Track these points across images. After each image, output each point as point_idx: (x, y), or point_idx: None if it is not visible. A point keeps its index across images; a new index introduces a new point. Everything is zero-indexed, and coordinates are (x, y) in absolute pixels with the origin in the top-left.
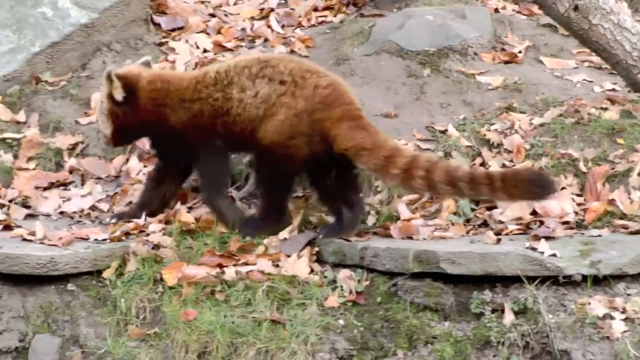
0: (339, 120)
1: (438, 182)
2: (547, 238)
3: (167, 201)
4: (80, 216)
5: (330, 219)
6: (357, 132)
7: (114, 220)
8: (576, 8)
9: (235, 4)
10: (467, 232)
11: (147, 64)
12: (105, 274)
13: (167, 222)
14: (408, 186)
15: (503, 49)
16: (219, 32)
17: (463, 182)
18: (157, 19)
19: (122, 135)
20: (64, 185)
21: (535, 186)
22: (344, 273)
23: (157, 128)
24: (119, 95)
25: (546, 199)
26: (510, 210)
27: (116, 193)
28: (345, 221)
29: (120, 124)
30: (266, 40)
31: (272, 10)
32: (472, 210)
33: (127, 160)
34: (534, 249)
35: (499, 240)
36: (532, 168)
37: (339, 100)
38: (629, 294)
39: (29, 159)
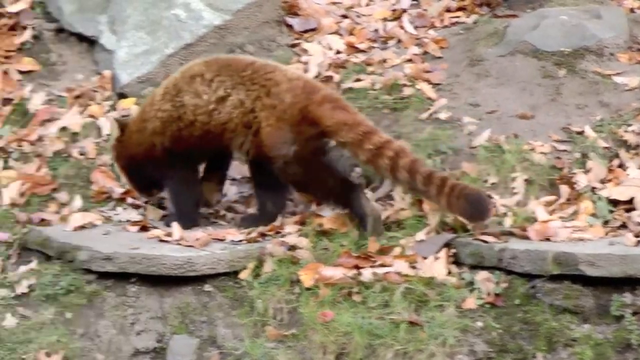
0: (321, 103)
1: (401, 167)
2: None
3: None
4: (215, 217)
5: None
6: (338, 111)
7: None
8: None
9: (367, 5)
10: (606, 234)
11: None
12: (241, 275)
13: (303, 224)
14: (374, 163)
15: (639, 49)
16: (351, 33)
17: (420, 176)
18: (290, 20)
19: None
20: None
21: (471, 206)
22: (481, 275)
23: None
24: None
25: (477, 221)
26: None
27: (250, 194)
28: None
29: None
30: (399, 41)
31: (404, 11)
32: (610, 212)
33: None
34: None
35: (639, 242)
36: (480, 190)
37: (316, 87)
38: None
39: None
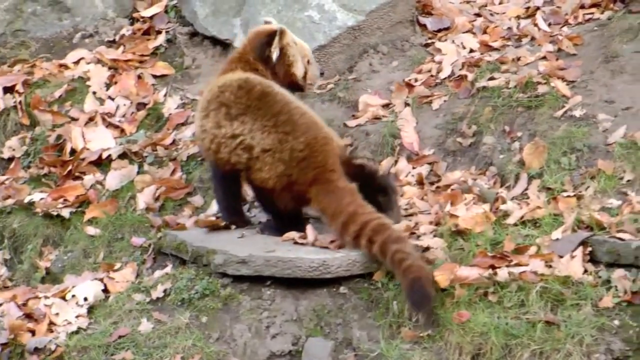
0: (311, 184)
1: (374, 251)
2: None
3: None
4: None
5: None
6: (324, 197)
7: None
8: None
9: (500, 3)
10: None
11: None
12: (376, 277)
13: (438, 224)
14: (358, 247)
15: None
16: (485, 32)
17: (389, 256)
18: (423, 20)
19: None
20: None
21: (412, 295)
22: (618, 273)
23: None
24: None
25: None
26: None
27: None
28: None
29: None
30: (533, 38)
31: (538, 8)
32: None
33: (396, 161)
34: None
35: None
36: (424, 282)
37: (313, 164)
38: None
39: None
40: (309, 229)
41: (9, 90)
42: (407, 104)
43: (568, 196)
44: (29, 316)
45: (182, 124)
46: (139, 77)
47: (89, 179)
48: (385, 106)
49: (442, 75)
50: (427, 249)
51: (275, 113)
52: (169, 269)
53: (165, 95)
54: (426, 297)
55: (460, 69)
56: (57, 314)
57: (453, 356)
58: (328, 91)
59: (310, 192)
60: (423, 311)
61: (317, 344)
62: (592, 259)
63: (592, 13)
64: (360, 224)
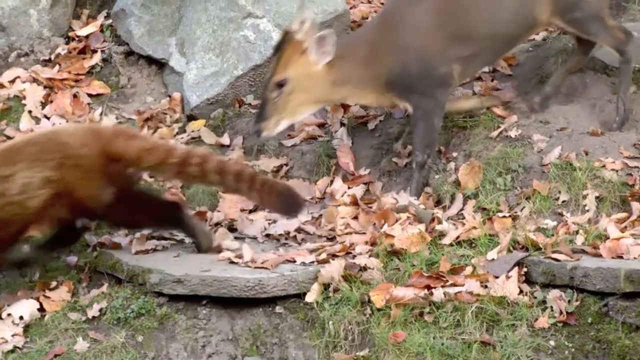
0: (113, 139)
1: (210, 171)
2: None
3: None
4: (286, 238)
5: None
6: (134, 141)
7: None
8: None
9: None
10: None
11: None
12: (308, 298)
13: (373, 244)
14: (184, 174)
15: None
16: None
17: (230, 176)
18: None
19: None
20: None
21: (283, 201)
22: (553, 293)
23: None
24: None
25: (291, 216)
26: None
27: (321, 215)
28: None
29: None
30: None
31: None
32: None
33: (332, 182)
34: None
35: None
36: (290, 187)
37: (101, 128)
38: None
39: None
40: (245, 247)
41: None
42: (342, 124)
43: (503, 216)
44: None
45: None
46: (75, 96)
47: None
48: (321, 126)
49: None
50: (363, 268)
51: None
52: (104, 287)
53: (100, 114)
54: (298, 201)
55: None
56: None
57: None
58: None
59: (116, 145)
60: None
61: None
62: (528, 279)
63: None
64: (186, 149)
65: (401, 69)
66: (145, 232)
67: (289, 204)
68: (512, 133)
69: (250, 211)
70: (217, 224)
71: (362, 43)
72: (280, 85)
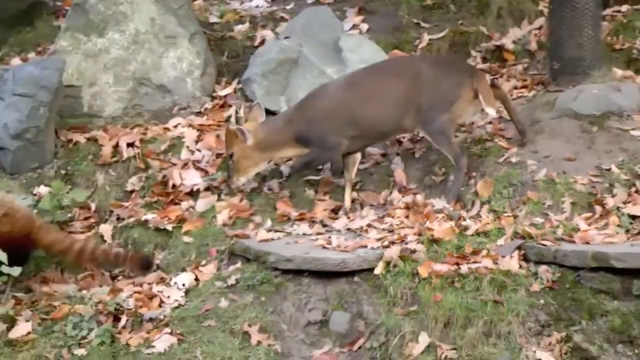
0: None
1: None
2: None
3: None
4: (360, 231)
5: None
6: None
7: None
8: None
9: None
10: (628, 239)
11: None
12: (377, 270)
13: (420, 234)
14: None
15: None
16: None
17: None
18: None
19: None
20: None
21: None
22: (542, 268)
23: None
24: None
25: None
26: None
27: (383, 216)
28: None
29: None
30: (482, 110)
31: None
32: (630, 223)
33: (391, 193)
34: None
35: None
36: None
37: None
38: None
39: (325, 193)
40: (334, 237)
41: (130, 145)
42: (397, 154)
43: (508, 216)
44: (145, 296)
45: None
46: (217, 136)
47: (184, 204)
48: (383, 155)
49: (421, 134)
50: (413, 251)
51: None
52: (239, 264)
53: None
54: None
55: None
56: (166, 295)
57: (431, 324)
58: None
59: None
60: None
61: (339, 315)
62: (525, 258)
63: (522, 92)
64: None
65: (307, 133)
66: (266, 227)
67: (143, 268)
68: (513, 159)
69: (334, 212)
70: (313, 221)
71: (279, 121)
72: (231, 156)
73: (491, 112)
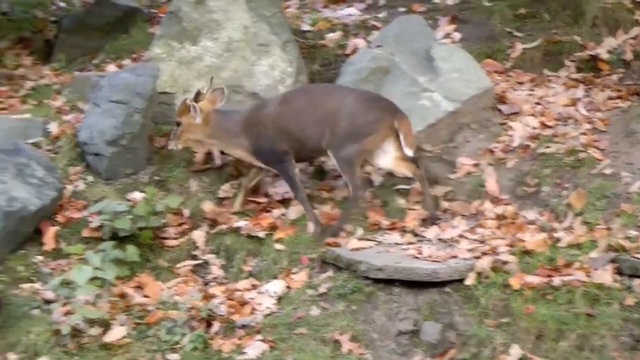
0: None
1: None
2: None
3: None
4: (451, 241)
5: None
6: None
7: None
8: None
9: (553, 95)
10: None
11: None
12: (468, 281)
13: (512, 246)
14: None
15: None
16: (542, 115)
17: None
18: (500, 106)
19: None
20: (438, 219)
21: None
22: (637, 281)
23: None
24: None
25: None
26: None
27: (475, 226)
28: None
29: None
30: (576, 120)
31: (579, 99)
32: None
33: (482, 203)
34: None
35: None
36: None
37: None
38: None
39: (415, 202)
40: (425, 247)
41: (223, 152)
42: (489, 164)
43: (601, 228)
44: (238, 303)
45: (339, 176)
46: None
47: (276, 212)
48: (475, 165)
49: (514, 144)
50: (504, 262)
51: None
52: (330, 273)
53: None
54: None
55: (525, 140)
56: (258, 302)
57: (523, 336)
58: (436, 155)
59: None
60: None
61: (430, 325)
62: (619, 271)
63: (616, 103)
64: None
65: (260, 147)
66: (357, 236)
67: None
68: (607, 171)
69: (424, 221)
70: (404, 231)
71: (235, 124)
72: (177, 124)
73: (409, 153)
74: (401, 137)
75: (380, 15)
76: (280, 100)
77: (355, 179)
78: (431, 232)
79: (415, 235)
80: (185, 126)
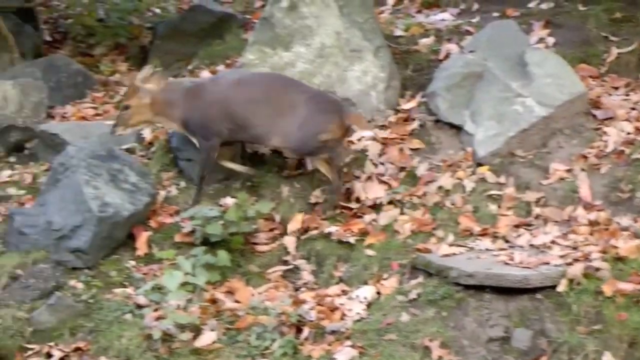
0: None
1: None
2: None
3: None
4: (543, 248)
5: None
6: None
7: None
8: None
9: None
10: None
11: None
12: (560, 288)
13: (604, 252)
14: None
15: None
16: (637, 120)
17: None
18: (594, 111)
19: None
20: (529, 225)
21: None
22: None
23: None
24: None
25: None
26: None
27: (567, 232)
28: None
29: None
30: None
31: None
32: None
33: (574, 209)
34: None
35: None
36: None
37: None
38: None
39: (508, 208)
40: (516, 253)
41: None
42: (582, 169)
43: None
44: (327, 309)
45: (430, 182)
46: (401, 149)
47: (367, 217)
48: (568, 171)
49: (607, 150)
50: (597, 269)
51: None
52: (420, 279)
53: (418, 162)
54: None
55: (620, 146)
56: (348, 308)
57: (615, 344)
58: (528, 160)
59: None
60: None
61: (521, 332)
62: None
63: None
64: None
65: (192, 118)
66: (448, 242)
67: None
68: None
69: (517, 227)
70: (495, 237)
71: (177, 95)
72: (126, 107)
73: (368, 134)
74: (355, 128)
75: (474, 20)
76: (232, 82)
77: (332, 174)
78: (522, 238)
79: (507, 241)
80: (134, 108)
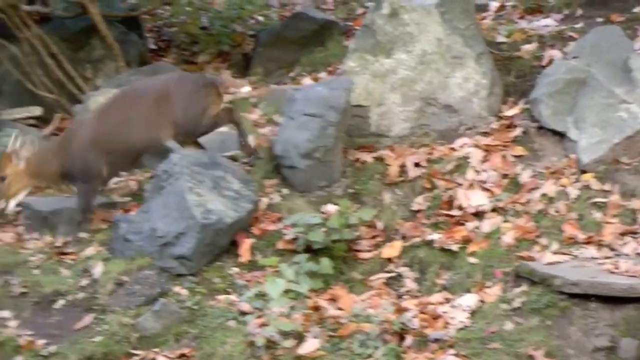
0: None
1: None
2: None
3: None
4: None
5: None
6: None
7: None
8: None
9: None
10: None
11: None
12: None
13: None
14: None
15: None
16: None
17: None
18: None
19: None
20: (635, 233)
21: None
22: None
23: None
24: None
25: None
26: None
27: None
28: None
29: None
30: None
31: None
32: None
33: None
34: None
35: None
36: None
37: None
38: None
39: (613, 216)
40: (622, 262)
41: (416, 164)
42: None
43: None
44: (430, 317)
45: (533, 189)
46: (503, 156)
47: (470, 225)
48: None
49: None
50: None
51: None
52: (524, 287)
53: (521, 169)
54: None
55: None
56: (451, 316)
57: None
58: (633, 167)
59: None
60: None
61: (628, 342)
62: None
63: None
64: None
65: (72, 166)
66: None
67: None
68: None
69: (622, 235)
70: (600, 245)
71: (49, 151)
72: (2, 179)
73: (245, 89)
74: (231, 90)
75: (577, 25)
76: (94, 117)
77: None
78: (628, 246)
79: (612, 249)
80: (11, 176)
